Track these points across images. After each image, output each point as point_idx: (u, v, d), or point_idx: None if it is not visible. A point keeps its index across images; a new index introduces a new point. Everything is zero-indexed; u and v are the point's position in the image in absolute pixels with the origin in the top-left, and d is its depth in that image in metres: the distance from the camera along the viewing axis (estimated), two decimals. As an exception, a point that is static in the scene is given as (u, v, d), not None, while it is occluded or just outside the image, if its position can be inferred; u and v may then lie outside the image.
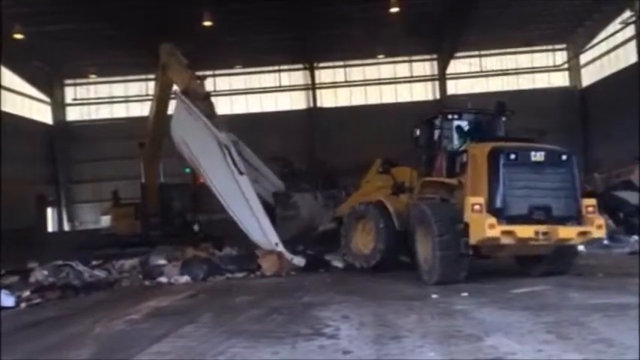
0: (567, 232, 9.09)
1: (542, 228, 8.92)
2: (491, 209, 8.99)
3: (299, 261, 13.44)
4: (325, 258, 13.79)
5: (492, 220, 8.78)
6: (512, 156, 9.16)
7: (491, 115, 11.09)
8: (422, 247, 9.91)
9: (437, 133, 10.95)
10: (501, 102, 11.05)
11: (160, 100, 18.39)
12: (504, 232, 8.83)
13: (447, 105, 27.57)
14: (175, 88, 16.97)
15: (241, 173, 14.18)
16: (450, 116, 10.83)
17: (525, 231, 8.89)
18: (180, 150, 15.24)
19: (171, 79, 17.49)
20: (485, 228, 8.73)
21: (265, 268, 13.02)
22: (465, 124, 10.97)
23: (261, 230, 13.82)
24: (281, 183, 16.28)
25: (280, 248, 13.54)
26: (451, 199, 10.02)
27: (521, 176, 9.19)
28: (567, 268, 10.06)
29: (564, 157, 9.43)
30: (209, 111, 15.52)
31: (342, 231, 12.45)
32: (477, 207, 8.95)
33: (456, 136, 10.80)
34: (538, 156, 9.26)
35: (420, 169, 11.27)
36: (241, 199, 13.92)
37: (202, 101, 15.66)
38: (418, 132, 11.08)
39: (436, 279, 9.31)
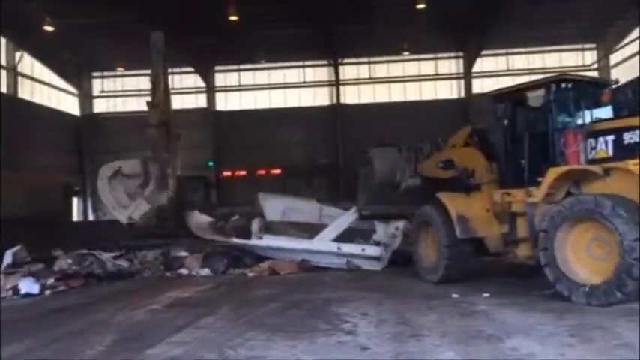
0: None
1: None
2: None
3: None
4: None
5: None
6: None
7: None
8: (566, 257, 7.53)
9: (544, 108, 8.56)
10: None
11: (162, 89, 18.65)
12: None
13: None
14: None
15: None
16: (563, 85, 8.41)
17: None
18: None
19: (166, 66, 18.42)
20: None
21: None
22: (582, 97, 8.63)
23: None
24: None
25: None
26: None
27: None
28: None
29: None
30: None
31: (410, 237, 11.01)
32: None
33: (573, 111, 8.51)
34: None
35: (502, 156, 9.25)
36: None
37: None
38: (502, 108, 9.10)
39: (619, 298, 6.82)
